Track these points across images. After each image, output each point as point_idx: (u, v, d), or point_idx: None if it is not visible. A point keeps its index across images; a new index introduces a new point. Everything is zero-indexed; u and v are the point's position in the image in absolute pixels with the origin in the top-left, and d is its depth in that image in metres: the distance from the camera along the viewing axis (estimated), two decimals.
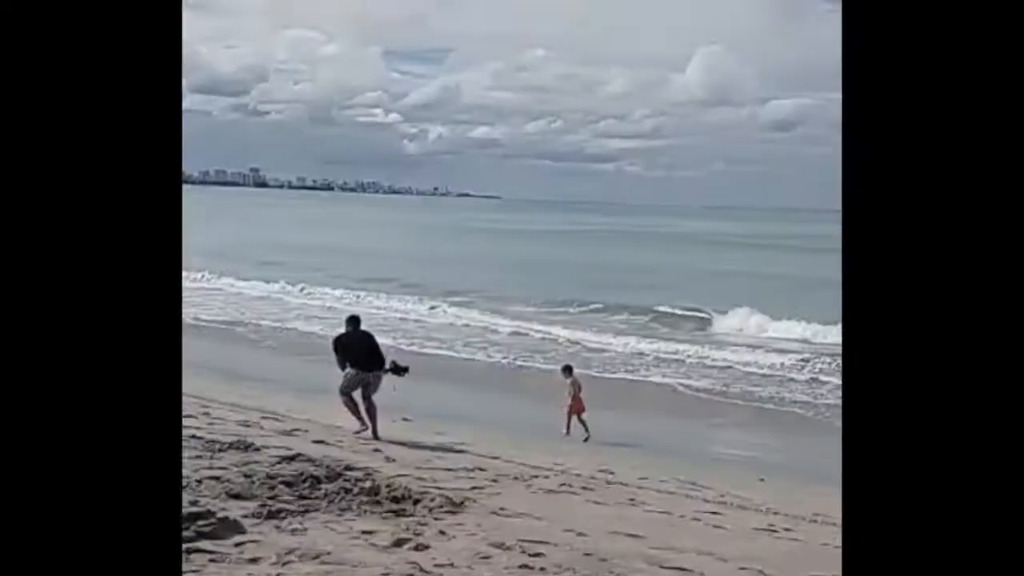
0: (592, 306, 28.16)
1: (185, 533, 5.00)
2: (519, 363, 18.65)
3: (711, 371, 18.26)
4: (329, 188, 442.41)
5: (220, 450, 7.41)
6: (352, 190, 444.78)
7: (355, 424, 10.16)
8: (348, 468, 7.14)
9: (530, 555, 5.54)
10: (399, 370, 10.75)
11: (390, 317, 24.56)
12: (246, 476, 6.46)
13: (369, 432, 10.04)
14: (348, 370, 10.46)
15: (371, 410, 10.26)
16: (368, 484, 6.64)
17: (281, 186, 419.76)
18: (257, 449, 7.61)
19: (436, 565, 5.12)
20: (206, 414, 9.46)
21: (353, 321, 10.99)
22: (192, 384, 11.78)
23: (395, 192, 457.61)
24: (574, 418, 12.74)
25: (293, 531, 5.47)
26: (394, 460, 8.33)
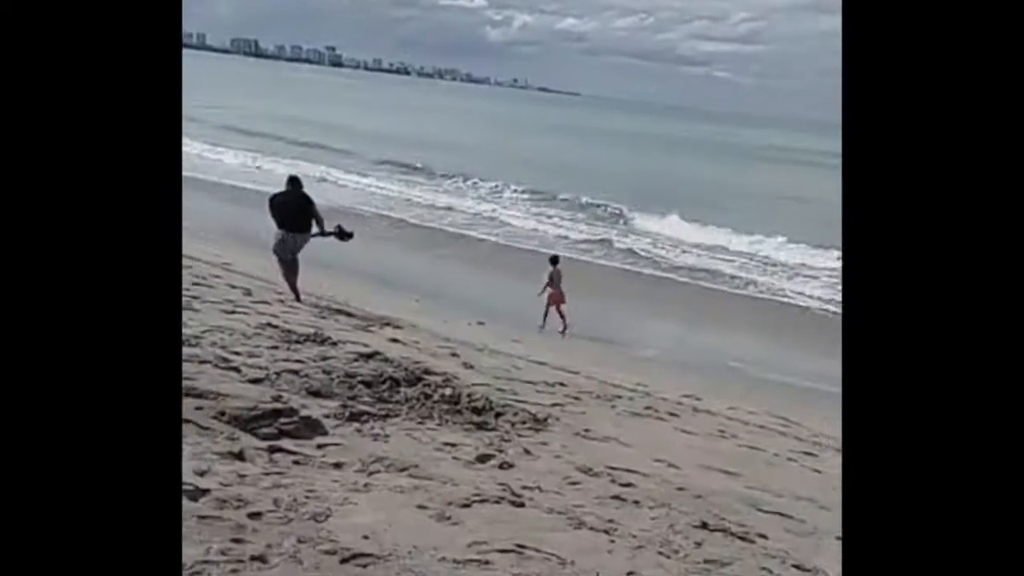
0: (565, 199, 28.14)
1: (268, 430, 4.82)
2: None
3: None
4: (406, 72, 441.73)
5: (297, 342, 7.21)
6: (429, 76, 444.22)
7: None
8: (427, 372, 6.87)
9: (620, 484, 5.23)
10: (343, 235, 10.91)
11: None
12: (325, 373, 6.23)
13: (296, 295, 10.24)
14: (276, 230, 10.51)
15: (292, 269, 10.38)
16: (448, 391, 6.37)
17: (357, 66, 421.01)
18: (334, 344, 7.38)
19: (524, 487, 4.84)
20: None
21: (292, 181, 10.87)
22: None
23: (472, 81, 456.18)
24: (552, 310, 12.92)
25: (375, 437, 5.23)
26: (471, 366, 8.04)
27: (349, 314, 9.84)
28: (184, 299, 7.74)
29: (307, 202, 10.59)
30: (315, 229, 10.60)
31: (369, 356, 7.05)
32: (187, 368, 5.38)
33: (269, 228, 10.61)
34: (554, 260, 13.45)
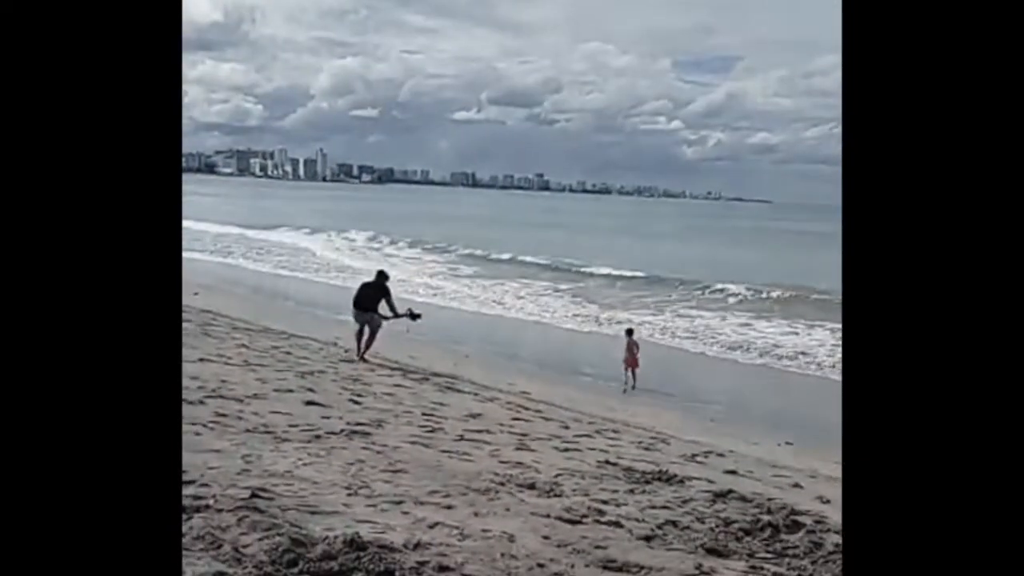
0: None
1: None
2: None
3: None
4: (607, 192, 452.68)
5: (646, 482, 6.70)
6: (629, 194, 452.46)
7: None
8: (794, 513, 6.09)
9: None
10: (413, 316, 13.85)
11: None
12: (698, 520, 5.65)
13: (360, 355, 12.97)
14: (353, 310, 13.56)
15: (369, 340, 13.22)
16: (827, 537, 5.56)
17: (563, 190, 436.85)
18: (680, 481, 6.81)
19: None
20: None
21: (379, 274, 14.08)
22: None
23: (670, 196, 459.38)
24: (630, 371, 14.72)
25: None
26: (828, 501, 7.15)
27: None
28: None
29: (380, 291, 13.59)
30: (404, 311, 13.67)
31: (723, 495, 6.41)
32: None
33: None
34: (629, 332, 15.71)
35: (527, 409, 10.24)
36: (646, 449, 8.36)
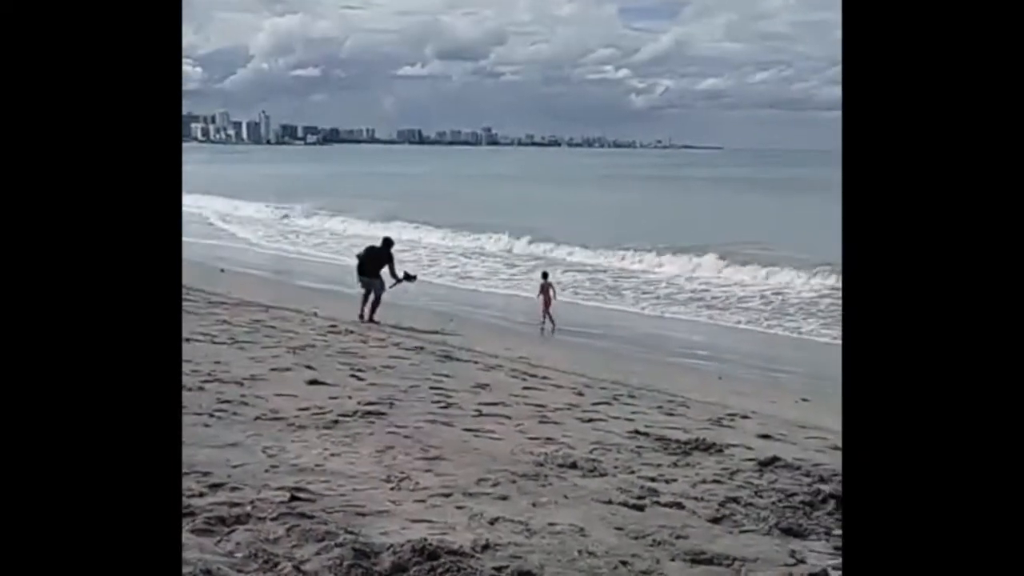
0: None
1: None
2: None
3: None
4: (556, 144, 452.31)
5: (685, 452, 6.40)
6: (579, 145, 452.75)
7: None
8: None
9: None
10: (409, 278, 14.73)
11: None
12: (756, 494, 5.35)
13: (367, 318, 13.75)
14: (358, 276, 14.37)
15: (374, 304, 13.90)
16: None
17: (511, 143, 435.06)
18: (720, 450, 6.52)
19: None
20: None
21: (385, 240, 14.79)
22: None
23: (618, 146, 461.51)
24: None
25: None
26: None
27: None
28: None
29: (383, 255, 14.38)
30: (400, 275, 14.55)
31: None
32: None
33: None
34: (544, 275, 16.80)
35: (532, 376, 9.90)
36: (670, 415, 8.06)
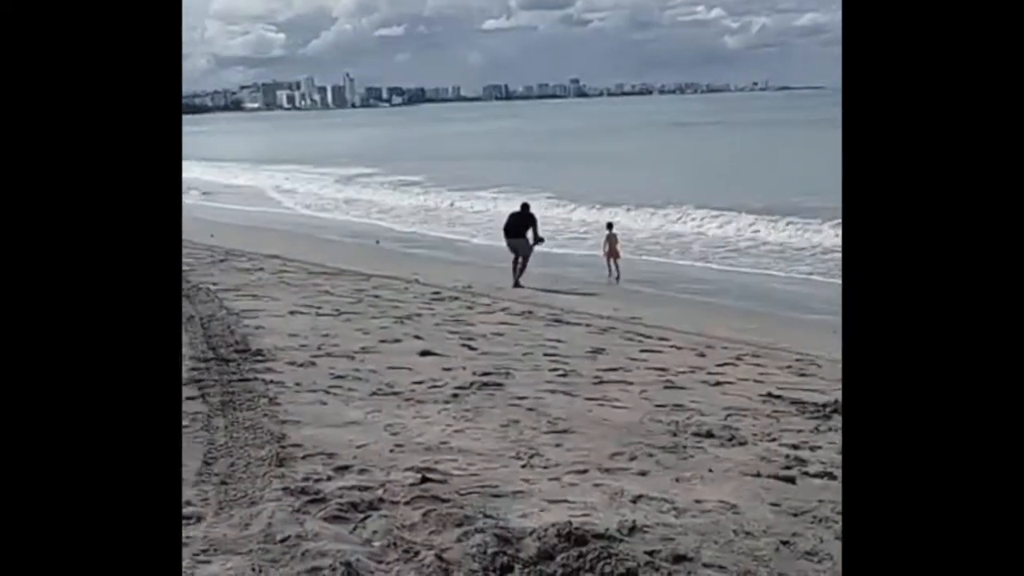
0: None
1: None
2: None
3: None
4: (648, 92, 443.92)
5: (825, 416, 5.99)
6: (671, 92, 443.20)
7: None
8: None
9: None
10: (538, 240, 14.95)
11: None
12: None
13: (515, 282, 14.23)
14: (505, 238, 15.08)
15: (522, 267, 14.49)
16: None
17: (600, 94, 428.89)
18: None
19: None
20: None
21: (524, 205, 15.51)
22: None
23: (713, 91, 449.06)
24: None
25: None
26: None
27: None
28: None
29: (525, 219, 14.97)
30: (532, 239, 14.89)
31: None
32: None
33: None
34: (609, 226, 16.72)
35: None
36: (801, 375, 7.61)
